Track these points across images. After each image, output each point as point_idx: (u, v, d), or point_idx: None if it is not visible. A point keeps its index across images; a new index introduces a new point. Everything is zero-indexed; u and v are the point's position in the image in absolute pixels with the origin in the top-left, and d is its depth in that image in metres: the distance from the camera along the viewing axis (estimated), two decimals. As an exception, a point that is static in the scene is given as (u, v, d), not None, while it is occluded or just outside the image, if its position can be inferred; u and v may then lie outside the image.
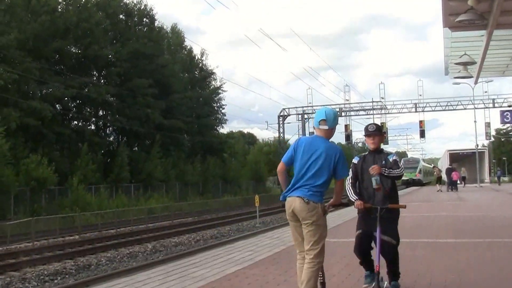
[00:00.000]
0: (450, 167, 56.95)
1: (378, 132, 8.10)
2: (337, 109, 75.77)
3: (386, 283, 7.96)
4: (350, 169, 8.07)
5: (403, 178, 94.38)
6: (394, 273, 8.09)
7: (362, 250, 7.97)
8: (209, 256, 12.38)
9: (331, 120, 7.14)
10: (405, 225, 18.40)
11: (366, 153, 8.27)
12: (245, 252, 12.82)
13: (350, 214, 25.10)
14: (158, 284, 9.22)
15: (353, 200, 8.04)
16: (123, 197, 54.30)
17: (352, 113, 76.94)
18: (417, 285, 8.64)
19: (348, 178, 8.02)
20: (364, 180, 8.02)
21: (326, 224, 7.11)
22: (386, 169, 7.78)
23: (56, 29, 53.96)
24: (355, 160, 8.23)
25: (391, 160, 7.96)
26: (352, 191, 8.08)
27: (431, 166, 67.54)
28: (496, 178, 71.51)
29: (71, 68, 57.13)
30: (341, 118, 77.79)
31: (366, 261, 8.05)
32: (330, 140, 7.25)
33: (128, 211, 43.88)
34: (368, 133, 8.07)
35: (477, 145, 68.92)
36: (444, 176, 61.92)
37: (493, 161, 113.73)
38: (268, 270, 9.87)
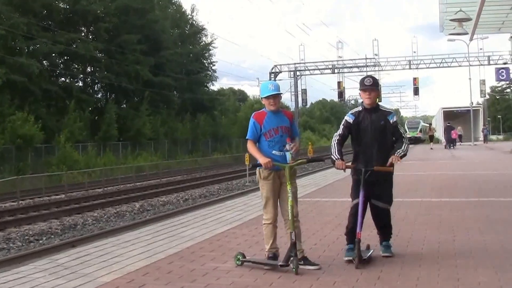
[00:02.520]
0: (449, 125, 57.01)
1: (375, 87, 7.50)
2: (330, 66, 75.36)
3: (370, 252, 7.48)
4: (341, 127, 7.59)
5: (407, 135, 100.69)
6: (386, 233, 7.78)
7: (361, 222, 7.31)
8: (198, 216, 12.08)
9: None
10: (397, 185, 18.12)
11: (360, 109, 7.62)
12: (234, 211, 12.46)
13: (342, 172, 24.77)
14: (146, 244, 8.92)
15: (334, 159, 7.45)
16: (111, 155, 53.81)
17: (345, 70, 76.48)
18: (410, 245, 8.34)
19: (336, 134, 7.62)
20: (361, 142, 7.49)
21: (263, 187, 7.29)
22: (400, 152, 7.34)
23: (44, -17, 52.97)
24: (349, 118, 7.55)
25: (391, 121, 7.45)
26: (336, 148, 7.49)
27: (428, 126, 67.82)
28: (482, 137, 71.44)
29: (59, 24, 56.31)
30: (334, 75, 77.62)
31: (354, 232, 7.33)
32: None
33: (116, 170, 43.51)
34: (364, 87, 7.45)
35: (472, 103, 68.52)
36: (438, 134, 62.17)
37: (488, 119, 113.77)
38: (258, 230, 9.47)
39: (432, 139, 59.29)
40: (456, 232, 9.24)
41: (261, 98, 7.30)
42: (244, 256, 7.28)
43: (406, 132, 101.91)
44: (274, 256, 7.17)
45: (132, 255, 8.07)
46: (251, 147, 7.25)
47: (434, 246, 8.19)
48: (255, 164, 7.17)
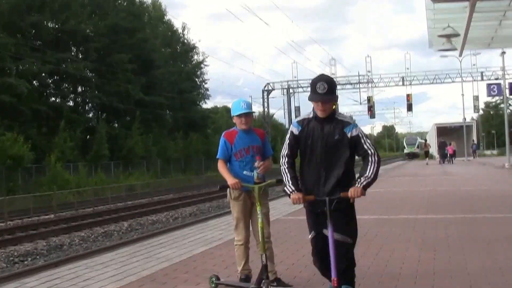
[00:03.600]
0: (443, 141, 58.23)
1: (331, 96, 5.60)
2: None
3: None
4: (287, 143, 5.86)
5: (405, 151, 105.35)
6: (347, 276, 5.73)
7: (323, 257, 5.66)
8: (179, 235, 11.92)
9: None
10: (384, 201, 17.96)
11: (310, 116, 5.78)
12: (216, 231, 12.27)
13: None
14: (119, 266, 8.72)
15: (288, 192, 5.72)
16: (102, 175, 53.54)
17: (339, 87, 76.46)
18: (389, 264, 8.19)
19: (283, 154, 5.86)
20: (308, 158, 5.77)
21: (233, 207, 7.09)
22: (363, 181, 5.58)
23: (32, 3, 52.95)
24: (294, 129, 5.79)
25: (349, 135, 5.65)
26: (288, 175, 5.75)
27: (424, 142, 69.27)
28: (471, 152, 71.95)
29: (48, 44, 56.14)
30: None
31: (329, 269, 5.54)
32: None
33: (107, 189, 43.18)
34: (317, 98, 5.58)
35: (465, 119, 68.61)
36: (433, 150, 63.17)
37: (482, 134, 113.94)
38: (236, 250, 9.26)
39: (427, 154, 60.44)
40: (437, 250, 9.06)
41: (233, 116, 7.11)
42: (218, 278, 7.08)
43: (405, 148, 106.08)
44: (247, 278, 7.01)
45: (103, 278, 7.87)
46: (221, 167, 7.02)
47: (413, 265, 8.01)
48: (223, 185, 6.88)
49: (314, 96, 5.53)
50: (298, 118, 5.86)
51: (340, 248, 5.51)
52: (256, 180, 6.86)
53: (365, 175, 5.58)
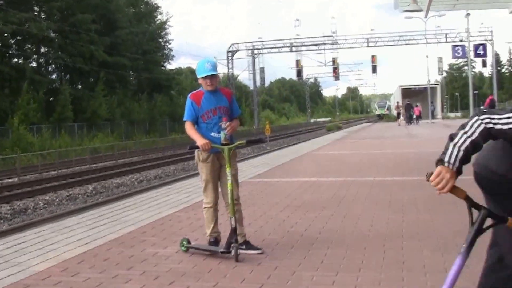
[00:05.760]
0: (409, 103, 59.12)
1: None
2: (288, 44, 75.36)
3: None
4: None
5: (377, 113, 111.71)
6: None
7: None
8: (145, 198, 11.80)
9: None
10: (350, 163, 18.02)
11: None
12: (182, 193, 12.19)
13: (299, 151, 24.67)
14: (86, 229, 8.61)
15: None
16: (66, 137, 52.98)
17: (303, 48, 76.54)
18: (358, 225, 8.19)
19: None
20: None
21: (202, 169, 7.03)
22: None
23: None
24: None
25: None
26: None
27: (396, 105, 70.51)
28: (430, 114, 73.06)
29: (10, 3, 54.82)
30: (291, 54, 77.92)
31: None
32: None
33: (71, 152, 42.79)
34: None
35: (429, 81, 69.09)
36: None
37: (446, 96, 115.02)
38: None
39: (399, 116, 61.28)
40: (405, 212, 9.10)
41: (198, 78, 6.95)
42: (189, 242, 7.01)
43: (376, 110, 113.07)
44: (216, 241, 6.96)
45: (70, 241, 7.76)
46: (189, 129, 6.89)
47: (382, 227, 8.02)
48: (193, 146, 6.78)
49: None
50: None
51: None
52: (223, 141, 6.78)
53: None
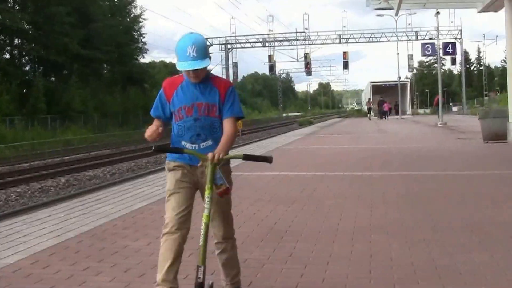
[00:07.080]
0: (382, 99, 60.54)
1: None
2: (261, 39, 75.54)
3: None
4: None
5: (355, 108, 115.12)
6: None
7: None
8: (117, 191, 11.84)
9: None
10: (321, 157, 18.16)
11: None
12: (154, 186, 12.25)
13: (271, 145, 24.76)
14: (57, 222, 8.62)
15: None
16: (39, 129, 52.52)
17: (276, 43, 76.79)
18: (327, 220, 8.26)
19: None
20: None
21: (168, 178, 4.82)
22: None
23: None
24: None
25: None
26: None
27: (367, 101, 71.15)
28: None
29: (-18, -6, 54.53)
30: (264, 49, 78.11)
31: None
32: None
33: (43, 143, 42.53)
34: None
35: (399, 77, 69.67)
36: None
37: (416, 93, 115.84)
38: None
39: (370, 111, 63.78)
40: (373, 206, 9.21)
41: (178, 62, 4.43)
42: None
43: (355, 106, 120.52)
44: None
45: (41, 234, 7.77)
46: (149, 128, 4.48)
47: (350, 221, 8.13)
48: (159, 148, 4.39)
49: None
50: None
51: None
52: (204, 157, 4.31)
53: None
